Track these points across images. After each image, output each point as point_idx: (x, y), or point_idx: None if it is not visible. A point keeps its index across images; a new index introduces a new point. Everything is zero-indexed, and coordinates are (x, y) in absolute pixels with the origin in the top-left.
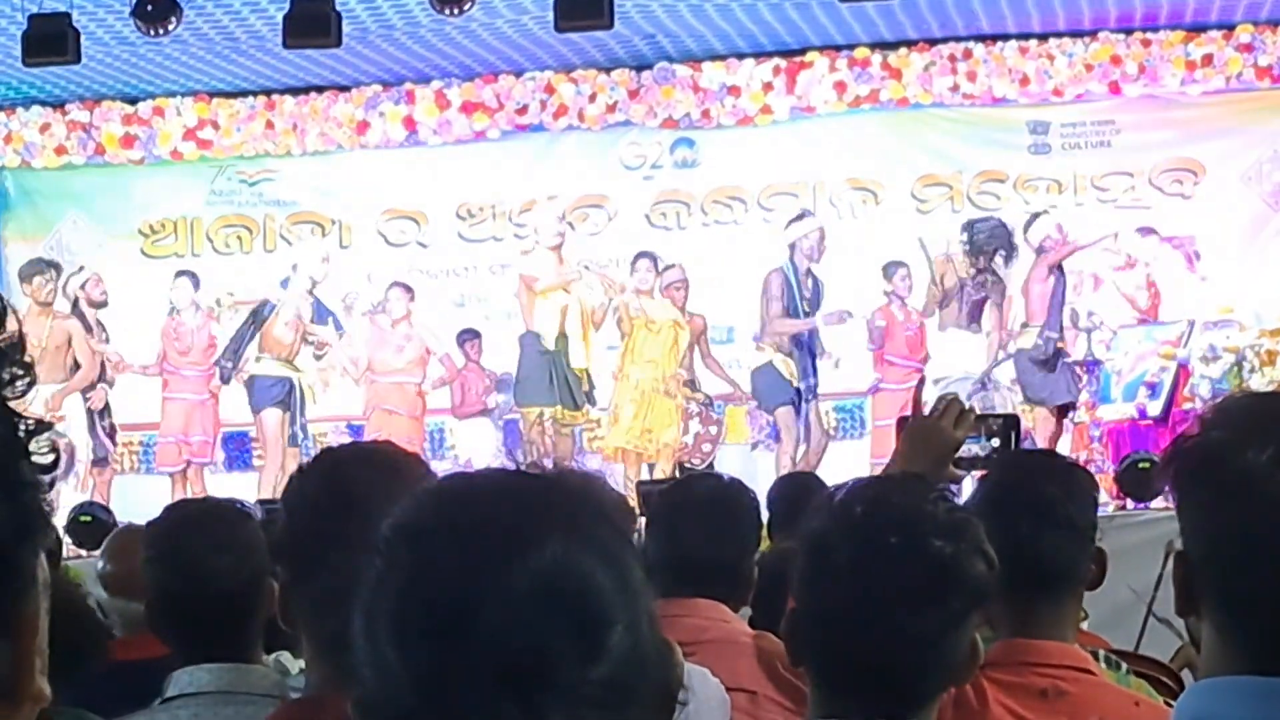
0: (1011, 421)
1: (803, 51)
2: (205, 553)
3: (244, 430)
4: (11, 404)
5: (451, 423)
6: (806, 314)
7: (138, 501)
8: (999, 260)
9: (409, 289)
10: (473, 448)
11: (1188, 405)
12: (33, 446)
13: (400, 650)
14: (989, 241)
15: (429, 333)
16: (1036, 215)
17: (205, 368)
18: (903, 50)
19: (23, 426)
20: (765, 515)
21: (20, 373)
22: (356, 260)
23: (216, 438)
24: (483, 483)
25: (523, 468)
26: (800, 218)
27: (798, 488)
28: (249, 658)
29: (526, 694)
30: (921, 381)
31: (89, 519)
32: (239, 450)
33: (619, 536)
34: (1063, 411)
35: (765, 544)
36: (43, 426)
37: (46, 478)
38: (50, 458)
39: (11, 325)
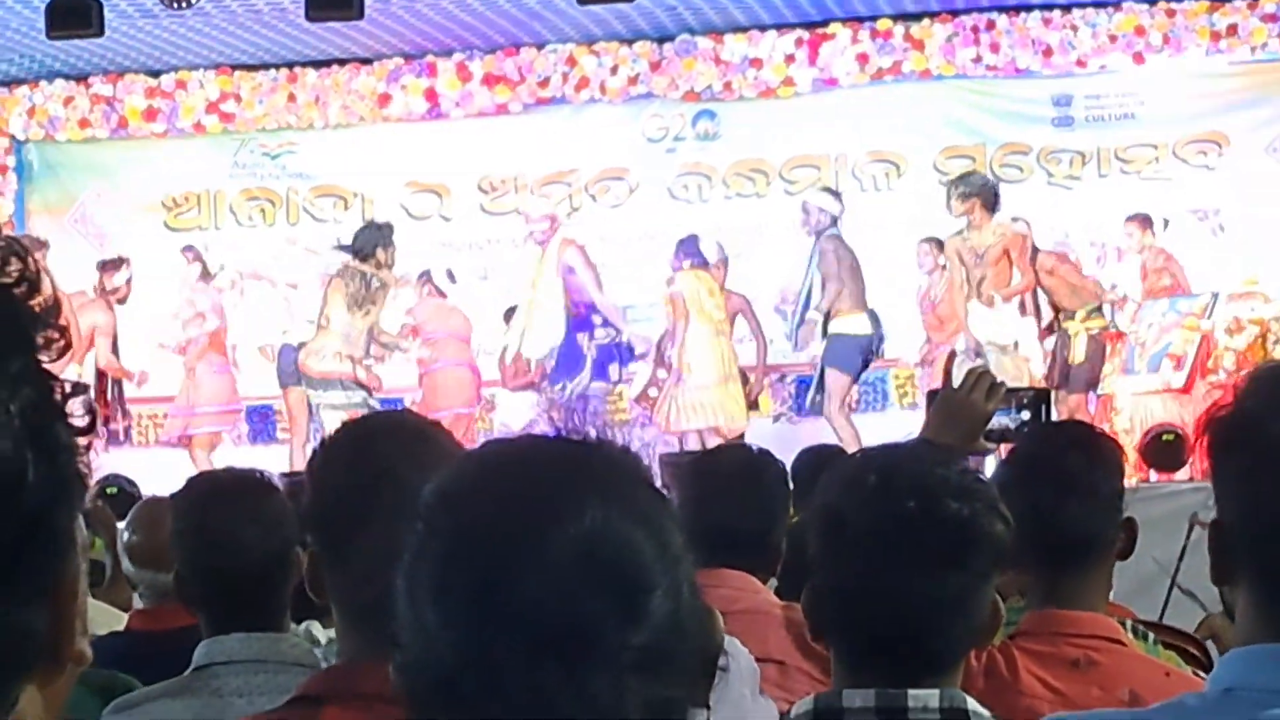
0: (1042, 395)
1: (825, 23)
2: (234, 526)
3: (268, 404)
4: (47, 367)
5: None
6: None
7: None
8: (988, 208)
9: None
10: (515, 421)
11: (1212, 377)
12: (68, 409)
13: (441, 615)
14: (979, 188)
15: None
16: None
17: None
18: (925, 21)
19: (58, 389)
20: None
21: (56, 336)
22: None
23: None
24: (523, 449)
25: (562, 433)
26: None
27: (821, 459)
28: (278, 627)
29: (567, 660)
30: (951, 355)
31: (115, 491)
32: (262, 423)
33: (658, 502)
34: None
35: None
36: (78, 389)
37: (82, 440)
38: (85, 420)
39: (46, 291)
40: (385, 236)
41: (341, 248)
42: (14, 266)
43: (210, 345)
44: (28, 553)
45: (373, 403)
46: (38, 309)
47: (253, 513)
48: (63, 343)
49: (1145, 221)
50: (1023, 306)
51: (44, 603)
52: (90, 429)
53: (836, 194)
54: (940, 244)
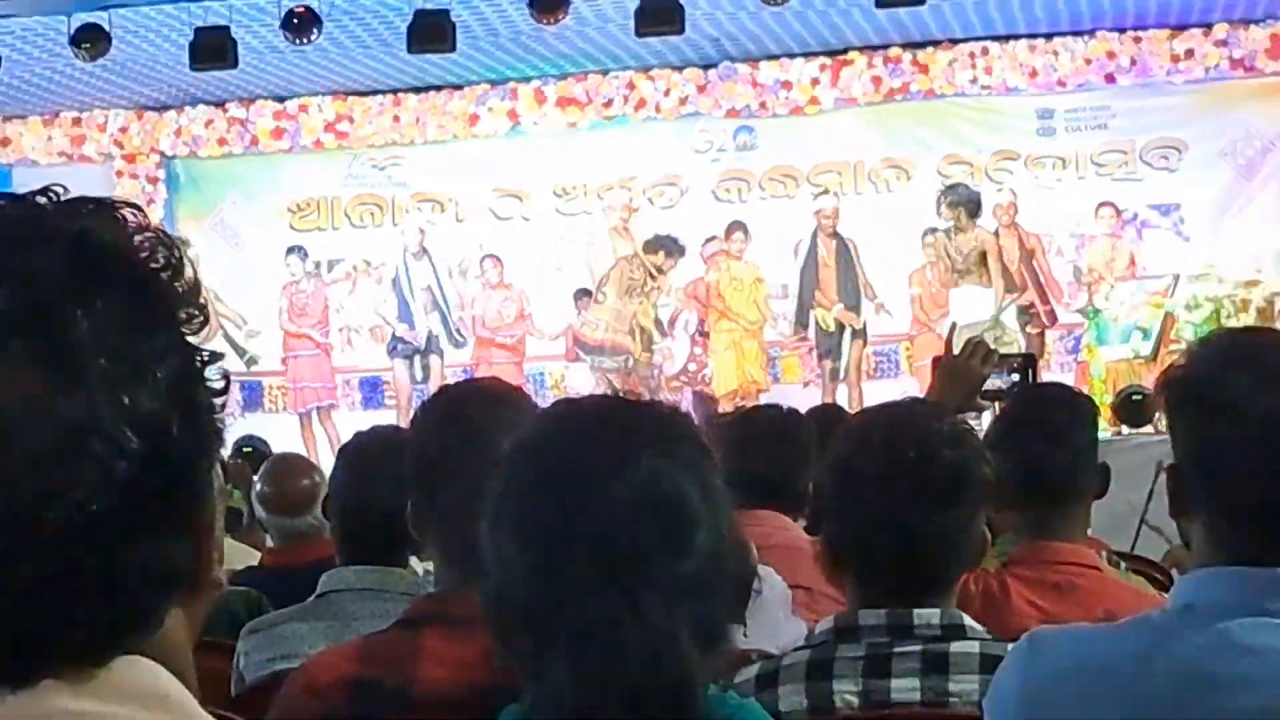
0: (1029, 359)
1: (845, 51)
2: (376, 481)
3: (377, 375)
4: (190, 339)
5: (561, 366)
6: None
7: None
8: (971, 215)
9: (498, 259)
10: (575, 387)
11: (1174, 347)
12: (207, 374)
13: (520, 550)
14: (965, 199)
15: (523, 294)
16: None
17: (323, 326)
18: (929, 49)
19: (199, 358)
20: None
21: (196, 314)
22: (469, 231)
23: (334, 384)
24: (588, 408)
25: (620, 395)
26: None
27: (826, 418)
28: (396, 562)
29: (627, 585)
30: (953, 327)
31: (250, 450)
32: (372, 392)
33: (702, 452)
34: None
35: None
36: (215, 358)
37: (219, 401)
38: (221, 384)
39: (189, 275)
40: (674, 248)
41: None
42: (162, 255)
43: (314, 330)
44: (174, 496)
45: (630, 365)
46: (181, 291)
47: (392, 469)
48: (201, 319)
49: (1115, 210)
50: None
51: (187, 538)
52: (224, 391)
53: (838, 196)
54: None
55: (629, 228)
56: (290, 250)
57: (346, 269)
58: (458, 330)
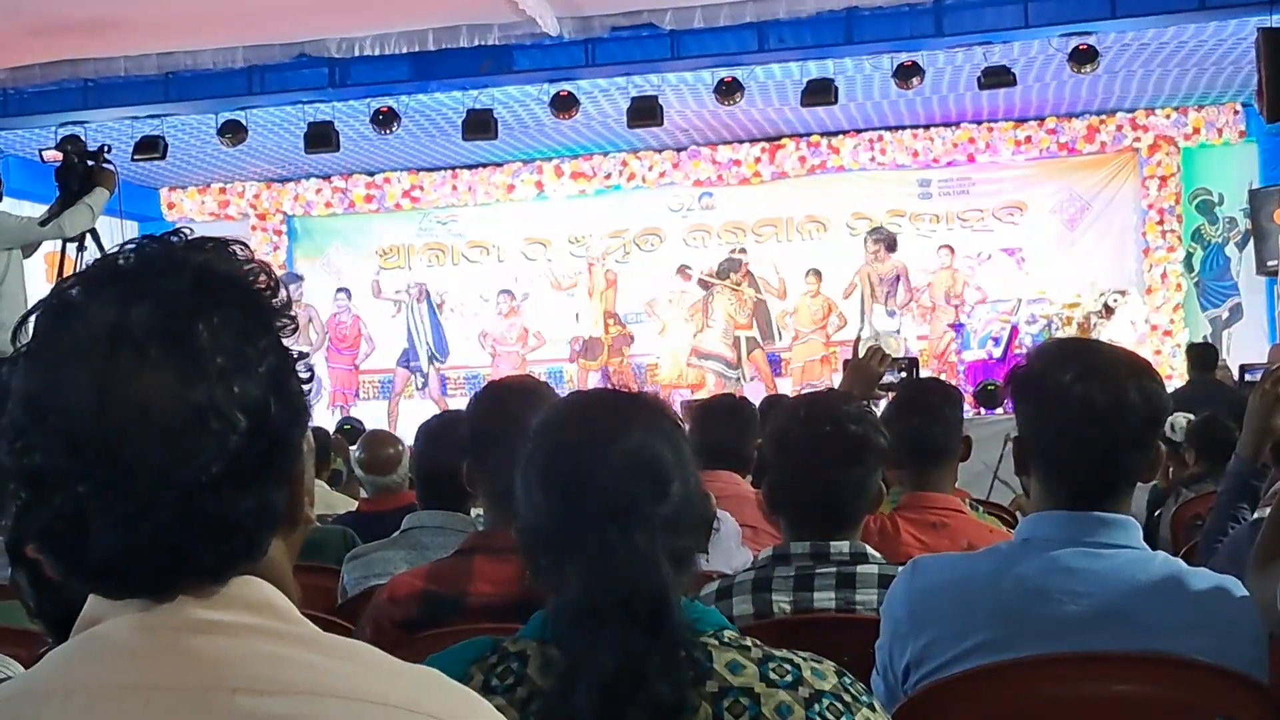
0: (913, 361)
1: (779, 138)
2: (450, 448)
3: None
4: (284, 341)
5: (572, 366)
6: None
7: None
8: (889, 250)
9: (511, 294)
10: (580, 381)
11: (1017, 351)
12: (296, 368)
13: (545, 498)
14: (885, 237)
15: (524, 320)
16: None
17: (354, 348)
18: (840, 136)
19: (290, 355)
20: None
21: (288, 322)
22: (506, 269)
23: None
24: (592, 396)
25: (616, 387)
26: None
27: (768, 402)
28: (460, 508)
29: (622, 524)
30: (858, 339)
31: (349, 427)
32: (424, 383)
33: (676, 427)
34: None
35: None
36: (302, 355)
37: (306, 387)
38: (307, 375)
39: (283, 294)
40: (732, 265)
41: (715, 276)
42: (263, 278)
43: (346, 351)
44: (273, 457)
45: (730, 371)
46: (277, 305)
47: (456, 441)
48: (293, 326)
49: (951, 250)
50: (905, 308)
51: (285, 487)
52: (309, 380)
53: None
54: (819, 273)
55: (607, 273)
56: (339, 290)
57: (417, 295)
58: (438, 357)
